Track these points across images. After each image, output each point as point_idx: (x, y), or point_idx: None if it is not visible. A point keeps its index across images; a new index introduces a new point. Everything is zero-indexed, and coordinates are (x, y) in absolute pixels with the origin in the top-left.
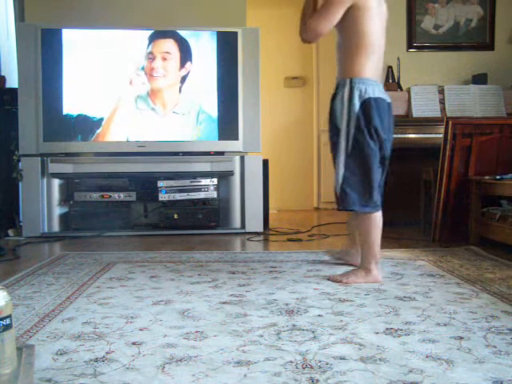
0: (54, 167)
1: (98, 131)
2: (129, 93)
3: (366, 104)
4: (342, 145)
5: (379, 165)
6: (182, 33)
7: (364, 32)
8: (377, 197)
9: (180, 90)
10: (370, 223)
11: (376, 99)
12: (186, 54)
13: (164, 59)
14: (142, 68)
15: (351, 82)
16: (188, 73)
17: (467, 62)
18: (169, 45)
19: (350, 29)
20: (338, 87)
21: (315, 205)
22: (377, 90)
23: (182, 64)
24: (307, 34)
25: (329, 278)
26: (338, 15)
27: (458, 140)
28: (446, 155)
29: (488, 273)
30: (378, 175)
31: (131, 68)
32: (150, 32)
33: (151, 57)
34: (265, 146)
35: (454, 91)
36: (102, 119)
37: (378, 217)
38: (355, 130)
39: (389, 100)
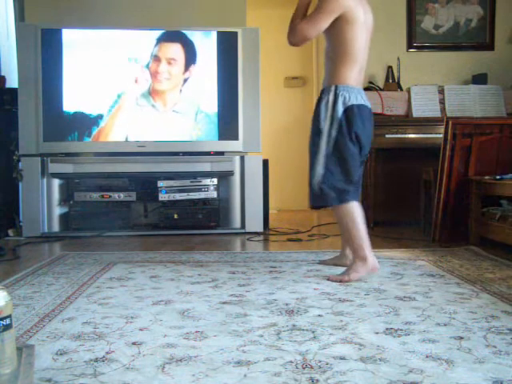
0: (54, 167)
1: (98, 131)
2: (129, 93)
3: (349, 110)
4: (323, 146)
5: (359, 165)
6: (184, 33)
7: (349, 43)
8: (354, 193)
9: (181, 91)
10: (350, 213)
11: (359, 106)
12: (190, 57)
13: (169, 63)
14: (147, 66)
15: (336, 89)
16: (191, 74)
17: (467, 62)
18: (175, 49)
19: (336, 38)
20: (324, 92)
21: None
22: (359, 98)
23: (187, 67)
24: (294, 37)
25: (328, 279)
26: (326, 23)
27: (458, 140)
28: (446, 155)
29: (488, 273)
30: (357, 174)
31: (131, 68)
32: (150, 32)
33: (156, 59)
34: (265, 146)
35: (454, 91)
36: (102, 119)
37: (356, 205)
38: (337, 133)
39: (370, 106)
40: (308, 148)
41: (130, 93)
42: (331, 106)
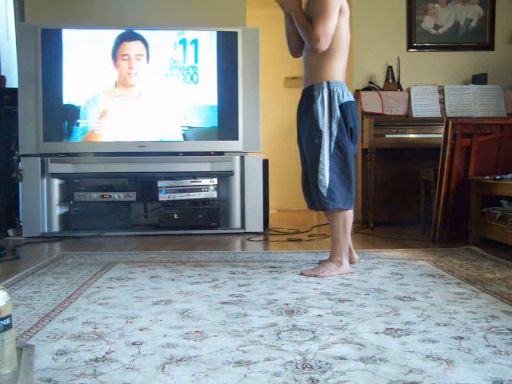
0: (53, 167)
1: (99, 130)
2: (129, 92)
3: (344, 107)
4: (326, 147)
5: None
6: (185, 33)
7: (340, 36)
8: (354, 194)
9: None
10: (344, 219)
11: (350, 102)
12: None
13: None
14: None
15: (329, 85)
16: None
17: (467, 62)
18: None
19: None
20: (314, 89)
21: None
22: (350, 93)
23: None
24: (320, 42)
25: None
26: (336, 14)
27: (458, 140)
28: (446, 155)
29: (488, 273)
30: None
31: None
32: (152, 32)
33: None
34: (265, 146)
35: (454, 91)
36: (101, 119)
37: (351, 213)
38: (338, 132)
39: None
40: (307, 151)
41: (130, 93)
42: (327, 103)
